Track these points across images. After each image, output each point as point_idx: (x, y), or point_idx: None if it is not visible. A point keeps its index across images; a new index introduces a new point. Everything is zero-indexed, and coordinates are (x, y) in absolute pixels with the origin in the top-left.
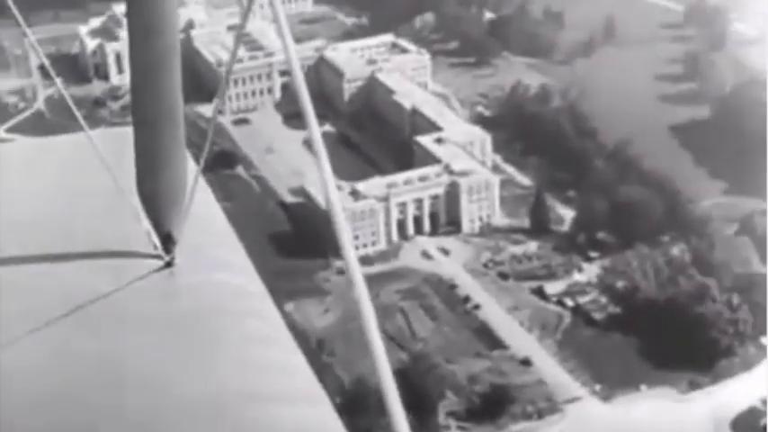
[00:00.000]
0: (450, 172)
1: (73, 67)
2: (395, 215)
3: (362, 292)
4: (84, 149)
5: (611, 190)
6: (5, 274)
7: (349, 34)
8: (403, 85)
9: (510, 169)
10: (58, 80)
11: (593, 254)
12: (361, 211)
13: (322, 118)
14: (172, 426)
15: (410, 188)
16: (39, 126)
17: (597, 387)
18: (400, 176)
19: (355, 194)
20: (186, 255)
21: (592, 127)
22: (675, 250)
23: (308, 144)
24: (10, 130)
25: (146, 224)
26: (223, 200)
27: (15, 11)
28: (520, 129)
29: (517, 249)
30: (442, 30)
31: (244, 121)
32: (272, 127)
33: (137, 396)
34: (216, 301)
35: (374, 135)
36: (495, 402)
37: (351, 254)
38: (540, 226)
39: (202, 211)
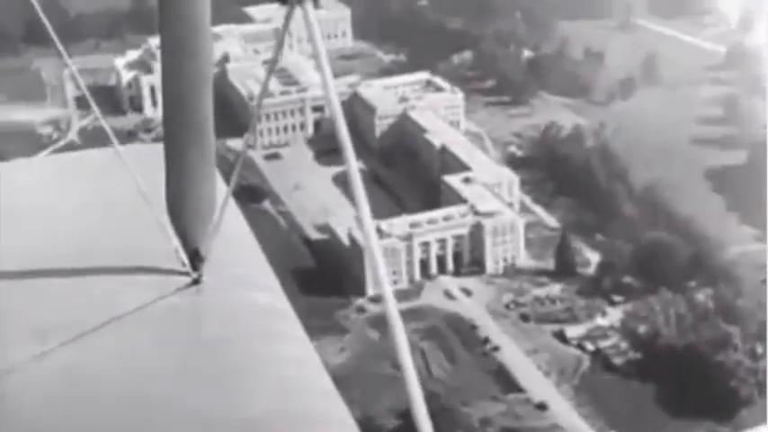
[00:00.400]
0: (476, 212)
1: (108, 99)
2: (418, 254)
3: (399, 328)
4: (114, 164)
5: (638, 233)
6: (32, 288)
7: (386, 71)
8: (434, 124)
9: (539, 210)
10: (96, 110)
11: (617, 298)
12: (383, 250)
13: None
14: None
15: (434, 228)
16: None
17: None
18: (424, 216)
19: (378, 233)
20: (214, 272)
21: (622, 168)
22: (701, 296)
23: (336, 180)
24: None
25: (174, 241)
26: None
27: (59, 44)
28: (551, 169)
29: (540, 291)
30: (480, 68)
31: (275, 156)
32: (303, 163)
33: (163, 417)
34: (243, 320)
35: (404, 173)
36: None
37: (388, 291)
38: (564, 268)
39: (231, 229)
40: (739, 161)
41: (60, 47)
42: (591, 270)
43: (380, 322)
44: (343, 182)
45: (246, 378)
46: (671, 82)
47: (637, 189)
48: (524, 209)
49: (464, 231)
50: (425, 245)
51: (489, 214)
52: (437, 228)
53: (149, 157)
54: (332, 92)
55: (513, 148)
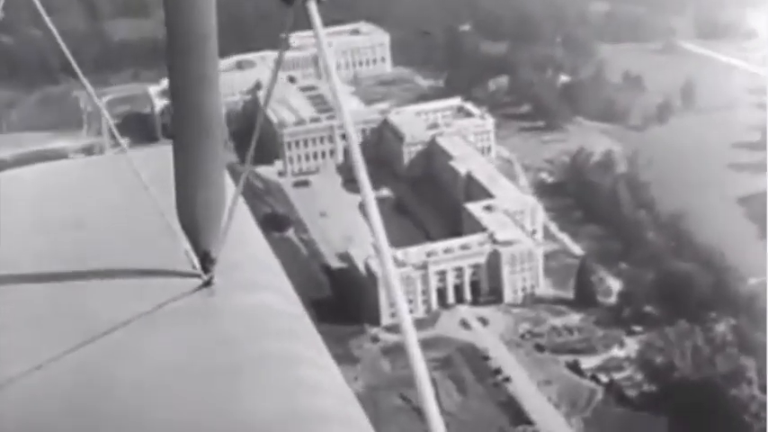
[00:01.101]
0: (494, 241)
1: (143, 126)
2: (434, 283)
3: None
4: (125, 168)
5: (661, 263)
6: (47, 293)
7: (424, 96)
8: (462, 150)
9: (564, 238)
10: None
11: (636, 328)
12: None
13: (381, 182)
14: None
15: (450, 257)
16: None
17: None
18: (441, 245)
19: (396, 261)
20: (225, 274)
21: (650, 196)
22: (721, 327)
23: (362, 208)
24: None
25: (185, 243)
26: None
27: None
28: (579, 197)
29: (558, 321)
30: (516, 93)
31: (304, 183)
32: (331, 190)
33: (175, 416)
34: (255, 321)
35: (430, 200)
36: None
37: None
38: (584, 298)
39: (241, 231)
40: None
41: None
42: (612, 299)
43: (393, 350)
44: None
45: (259, 378)
46: (710, 106)
47: (663, 217)
48: (549, 236)
49: (481, 260)
50: (442, 273)
51: (507, 243)
52: (453, 257)
53: (159, 160)
54: (339, 95)
55: (543, 175)
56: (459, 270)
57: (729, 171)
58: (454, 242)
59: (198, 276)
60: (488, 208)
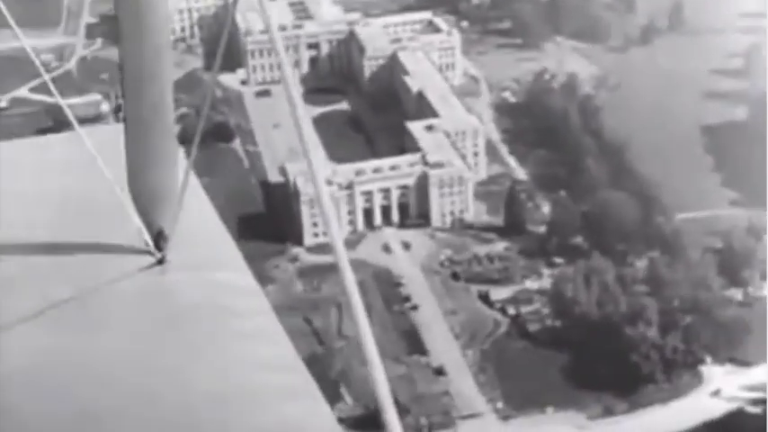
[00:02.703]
0: (425, 163)
1: None
2: (360, 204)
3: (351, 281)
4: (76, 147)
5: (595, 193)
6: None
7: (408, 8)
8: (420, 66)
9: (512, 162)
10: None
11: (558, 260)
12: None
13: (342, 95)
14: (166, 423)
15: (378, 177)
16: (63, 87)
17: (499, 405)
18: (370, 164)
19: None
20: (178, 251)
21: (600, 124)
22: (640, 264)
23: (317, 121)
24: (34, 90)
25: (137, 221)
26: (205, 174)
27: None
28: (536, 119)
29: (482, 249)
30: (500, 7)
31: (265, 93)
32: None
33: (128, 394)
34: (208, 298)
35: (385, 117)
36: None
37: (340, 246)
38: (514, 226)
39: (194, 208)
40: (742, 117)
41: None
42: (543, 228)
43: (308, 272)
44: (322, 122)
45: (213, 354)
46: (698, 29)
47: (611, 145)
48: (498, 159)
49: (410, 182)
50: (368, 194)
51: (438, 165)
52: (381, 177)
53: (112, 139)
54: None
55: (506, 94)
56: (387, 191)
57: (702, 99)
58: (384, 162)
59: (151, 254)
60: (429, 128)
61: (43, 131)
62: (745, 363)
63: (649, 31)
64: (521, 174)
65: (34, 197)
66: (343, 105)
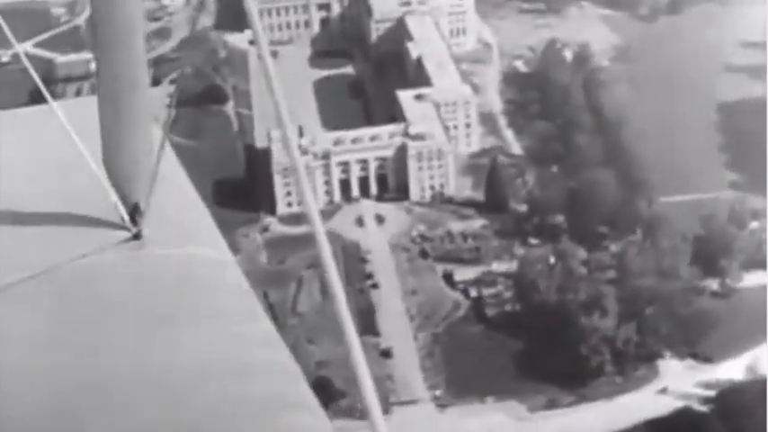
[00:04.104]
0: (406, 134)
1: None
2: (336, 174)
3: (327, 253)
4: (50, 121)
5: (583, 172)
6: None
7: None
8: (425, 32)
9: (509, 135)
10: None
11: (533, 241)
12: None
13: (349, 58)
14: (145, 400)
15: (357, 147)
16: (69, 42)
17: (438, 392)
18: (350, 133)
19: (299, 149)
20: (154, 226)
21: (601, 99)
22: (615, 248)
23: (317, 85)
24: (38, 45)
25: (112, 195)
26: (191, 137)
27: None
28: (542, 90)
29: (458, 226)
30: None
31: (272, 55)
32: (296, 63)
33: (108, 372)
34: (185, 273)
35: (387, 83)
36: (325, 393)
37: (316, 216)
38: (495, 203)
39: (170, 181)
40: (760, 93)
41: None
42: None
43: (275, 244)
44: (323, 86)
45: (189, 330)
46: None
47: (610, 122)
48: (495, 131)
49: (388, 153)
50: (345, 165)
51: (419, 137)
52: (359, 148)
53: (86, 112)
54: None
55: (518, 63)
56: (365, 162)
57: (722, 73)
58: (363, 132)
59: (126, 229)
60: (419, 97)
61: (36, 91)
62: (707, 358)
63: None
64: (516, 148)
65: (6, 171)
66: (348, 69)
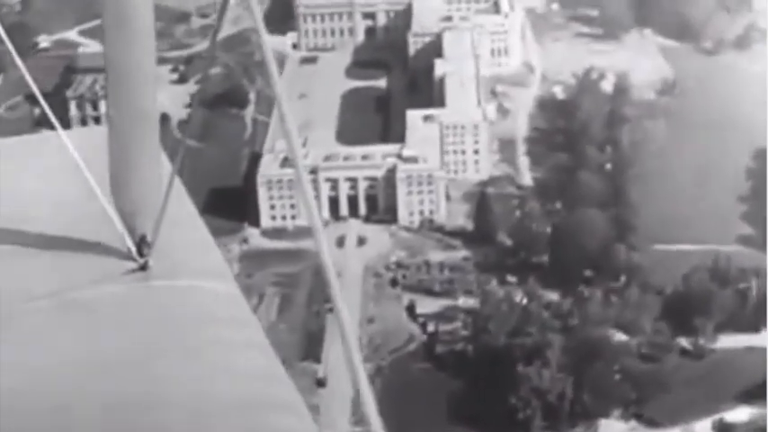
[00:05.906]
0: (399, 156)
1: None
2: (324, 192)
3: (329, 266)
4: (58, 150)
5: (574, 210)
6: None
7: None
8: (458, 49)
9: (523, 164)
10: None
11: (511, 278)
12: (278, 181)
13: (386, 71)
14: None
15: (347, 165)
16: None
17: (360, 429)
18: (343, 150)
19: (286, 161)
20: (161, 258)
21: (618, 136)
22: (588, 294)
23: (345, 96)
24: (83, 34)
25: (119, 226)
26: (200, 139)
27: None
28: (570, 119)
29: (438, 255)
30: None
31: (311, 60)
32: (333, 71)
33: (111, 407)
34: (191, 306)
35: (415, 99)
36: None
37: (320, 231)
38: (483, 233)
39: (178, 213)
40: None
41: None
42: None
43: (249, 257)
44: (350, 98)
45: (195, 363)
46: None
47: (622, 159)
48: (510, 159)
49: (378, 174)
50: (334, 182)
51: (411, 160)
52: (350, 166)
53: (95, 141)
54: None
55: (557, 89)
56: (354, 181)
57: None
58: (356, 150)
59: (133, 260)
60: (427, 117)
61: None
62: (652, 422)
63: (749, 33)
64: (527, 178)
65: (10, 200)
66: (381, 82)
